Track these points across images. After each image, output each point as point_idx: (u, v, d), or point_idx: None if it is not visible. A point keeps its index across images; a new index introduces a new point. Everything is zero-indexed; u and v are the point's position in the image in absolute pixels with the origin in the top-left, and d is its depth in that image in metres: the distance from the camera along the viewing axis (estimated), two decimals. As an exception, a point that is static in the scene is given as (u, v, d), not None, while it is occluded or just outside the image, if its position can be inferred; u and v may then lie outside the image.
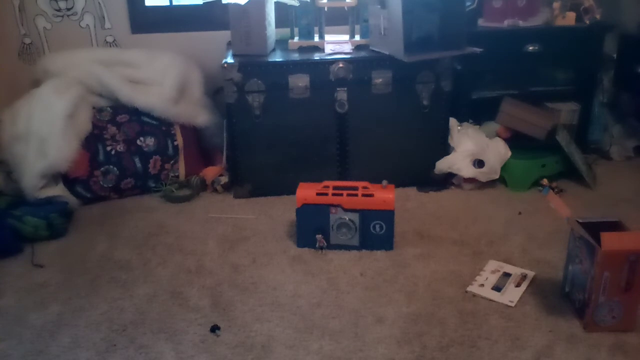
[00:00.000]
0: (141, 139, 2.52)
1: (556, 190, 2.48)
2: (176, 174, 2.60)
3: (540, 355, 1.53)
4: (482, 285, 1.83)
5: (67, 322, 1.70)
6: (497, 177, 2.50)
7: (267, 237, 2.17)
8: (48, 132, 2.33)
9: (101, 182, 2.46)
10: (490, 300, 1.75)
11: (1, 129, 2.42)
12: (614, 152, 2.84)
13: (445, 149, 2.53)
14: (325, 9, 2.55)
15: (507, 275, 1.87)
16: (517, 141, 2.56)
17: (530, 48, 2.62)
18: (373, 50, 2.46)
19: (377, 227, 2.02)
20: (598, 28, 2.66)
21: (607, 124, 2.87)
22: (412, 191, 2.53)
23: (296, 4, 2.53)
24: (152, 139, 2.54)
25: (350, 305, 1.75)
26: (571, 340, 1.58)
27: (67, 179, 2.40)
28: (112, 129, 2.49)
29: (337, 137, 2.47)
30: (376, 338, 1.60)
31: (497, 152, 2.51)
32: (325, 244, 2.04)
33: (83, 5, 2.78)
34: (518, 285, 1.82)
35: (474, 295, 1.78)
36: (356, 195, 1.99)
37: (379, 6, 2.30)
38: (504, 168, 2.52)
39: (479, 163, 2.50)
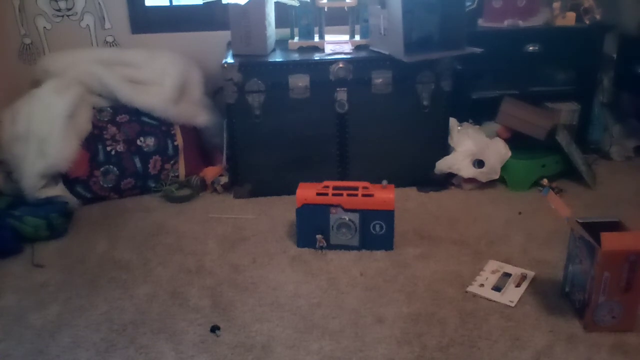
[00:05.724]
0: (141, 139, 2.52)
1: (556, 190, 2.48)
2: (176, 174, 2.60)
3: (540, 355, 1.53)
4: (482, 285, 1.83)
5: (67, 322, 1.70)
6: (497, 177, 2.50)
7: (267, 237, 2.17)
8: (48, 132, 2.33)
9: (101, 182, 2.46)
10: (490, 300, 1.75)
11: (1, 129, 2.42)
12: (614, 152, 2.84)
13: (445, 149, 2.53)
14: (325, 9, 2.55)
15: (507, 275, 1.87)
16: (517, 141, 2.56)
17: (530, 48, 2.63)
18: (373, 50, 2.46)
19: (377, 227, 2.02)
20: (598, 28, 2.66)
21: (607, 124, 2.87)
22: (412, 191, 2.53)
23: (296, 4, 2.53)
24: (152, 139, 2.54)
25: (350, 305, 1.75)
26: (571, 340, 1.58)
27: (67, 179, 2.40)
28: (112, 129, 2.49)
29: (337, 137, 2.47)
30: (376, 338, 1.60)
31: (497, 152, 2.51)
32: (325, 244, 2.04)
33: (83, 5, 2.78)
34: (518, 285, 1.82)
35: (474, 295, 1.78)
36: (356, 195, 1.99)
37: (379, 6, 2.30)
38: (504, 168, 2.52)
39: (479, 163, 2.50)
